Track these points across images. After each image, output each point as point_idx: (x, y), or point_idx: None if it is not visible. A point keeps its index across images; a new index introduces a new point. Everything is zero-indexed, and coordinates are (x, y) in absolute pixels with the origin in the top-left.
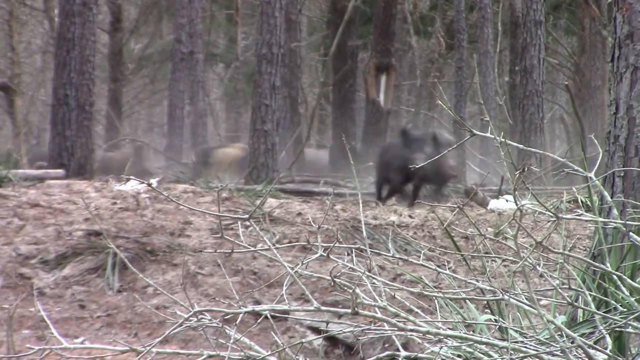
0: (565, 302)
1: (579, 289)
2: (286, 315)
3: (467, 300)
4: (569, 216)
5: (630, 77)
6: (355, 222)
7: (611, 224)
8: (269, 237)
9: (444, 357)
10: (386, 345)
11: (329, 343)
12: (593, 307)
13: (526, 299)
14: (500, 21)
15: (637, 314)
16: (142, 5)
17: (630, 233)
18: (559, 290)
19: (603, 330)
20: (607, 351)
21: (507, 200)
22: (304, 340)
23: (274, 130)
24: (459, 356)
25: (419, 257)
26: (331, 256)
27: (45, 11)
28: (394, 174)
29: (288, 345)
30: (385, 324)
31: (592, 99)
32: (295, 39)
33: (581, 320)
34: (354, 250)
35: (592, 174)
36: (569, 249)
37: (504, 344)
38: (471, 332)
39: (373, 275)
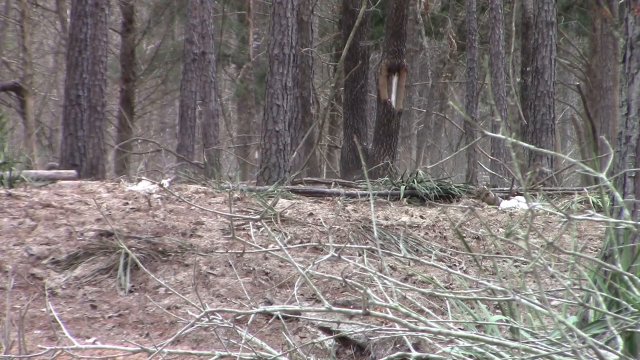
0: (576, 302)
1: (590, 290)
2: (297, 316)
3: (478, 301)
4: (580, 217)
5: None
6: (367, 222)
7: (622, 224)
8: (280, 237)
9: (455, 358)
10: (397, 345)
11: (340, 343)
12: (604, 308)
13: (537, 299)
14: (512, 22)
15: None
16: (154, 6)
17: None
18: (570, 290)
19: (614, 331)
20: (619, 352)
21: (518, 201)
22: (315, 340)
23: (285, 131)
24: (470, 356)
25: (430, 257)
26: (342, 257)
27: (57, 12)
28: None
29: (299, 345)
30: (396, 324)
31: (604, 99)
32: (307, 40)
33: (592, 320)
34: (365, 250)
35: (603, 175)
36: (580, 249)
37: (515, 344)
38: (482, 333)
39: (384, 276)
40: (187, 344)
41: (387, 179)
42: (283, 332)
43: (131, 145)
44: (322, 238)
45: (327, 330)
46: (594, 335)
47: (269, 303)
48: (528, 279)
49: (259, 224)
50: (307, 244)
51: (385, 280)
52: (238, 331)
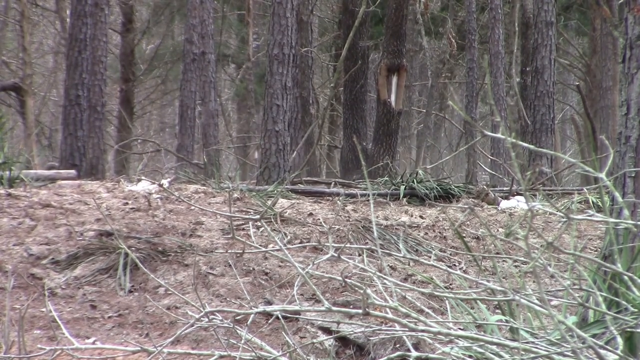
0: (576, 302)
1: (590, 290)
2: (297, 316)
3: (478, 301)
4: (580, 217)
5: None
6: (367, 222)
7: (622, 224)
8: (280, 237)
9: (455, 358)
10: (397, 345)
11: (340, 343)
12: (604, 308)
13: (537, 299)
14: (515, 22)
15: None
16: (154, 6)
17: None
18: (570, 290)
19: (614, 331)
20: (618, 352)
21: (518, 201)
22: (315, 340)
23: (285, 131)
24: (470, 356)
25: (430, 257)
26: (342, 256)
27: (57, 12)
28: None
29: (299, 345)
30: (396, 324)
31: (603, 99)
32: (307, 40)
33: (592, 320)
34: (365, 250)
35: (603, 175)
36: (579, 249)
37: (515, 344)
38: (482, 333)
39: (384, 276)
40: (187, 344)
41: (387, 179)
42: (283, 332)
43: (131, 145)
44: (322, 238)
45: (327, 330)
46: (593, 335)
47: (269, 303)
48: (528, 279)
49: (259, 224)
50: (307, 244)
51: (385, 280)
52: (238, 331)
